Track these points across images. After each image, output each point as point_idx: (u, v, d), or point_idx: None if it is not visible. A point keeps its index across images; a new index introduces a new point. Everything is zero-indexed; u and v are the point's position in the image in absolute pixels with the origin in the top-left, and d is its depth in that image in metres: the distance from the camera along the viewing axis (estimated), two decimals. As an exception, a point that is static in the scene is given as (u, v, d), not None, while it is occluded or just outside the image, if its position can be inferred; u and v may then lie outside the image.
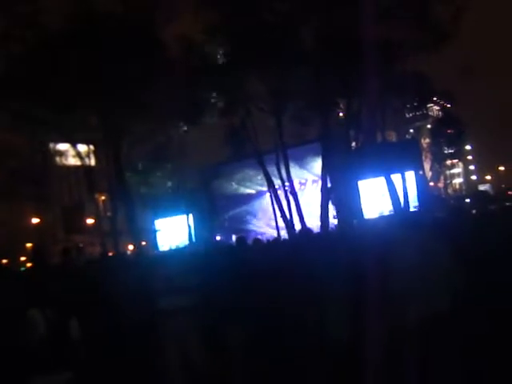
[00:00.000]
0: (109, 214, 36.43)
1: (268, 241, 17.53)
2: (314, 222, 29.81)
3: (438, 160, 57.20)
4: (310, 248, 8.61)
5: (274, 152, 30.95)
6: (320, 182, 30.71)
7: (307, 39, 28.95)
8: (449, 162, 66.45)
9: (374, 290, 6.51)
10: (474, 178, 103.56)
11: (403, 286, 6.61)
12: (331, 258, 7.71)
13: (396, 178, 28.38)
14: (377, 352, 6.41)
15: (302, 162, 36.46)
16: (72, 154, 34.48)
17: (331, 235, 16.77)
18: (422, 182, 32.47)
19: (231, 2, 27.71)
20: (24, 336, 6.77)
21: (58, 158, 39.04)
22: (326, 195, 29.53)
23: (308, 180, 40.75)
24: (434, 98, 58.79)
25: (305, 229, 14.83)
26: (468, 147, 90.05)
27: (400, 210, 25.07)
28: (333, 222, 29.77)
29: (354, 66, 26.47)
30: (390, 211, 26.93)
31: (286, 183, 31.28)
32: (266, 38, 26.38)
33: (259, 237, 26.88)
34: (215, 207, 39.12)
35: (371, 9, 26.32)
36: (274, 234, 32.76)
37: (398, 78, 29.66)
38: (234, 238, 31.34)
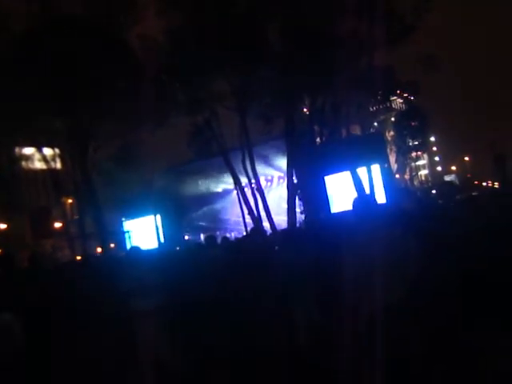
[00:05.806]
0: (76, 217, 36.20)
1: (236, 239, 17.60)
2: (281, 218, 30.01)
3: (403, 152, 57.65)
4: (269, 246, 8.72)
5: (239, 150, 30.97)
6: (286, 179, 30.88)
7: (271, 36, 29.05)
8: (414, 154, 66.97)
9: (337, 284, 6.57)
10: (439, 169, 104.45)
11: (366, 277, 6.62)
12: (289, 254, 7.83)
13: (362, 171, 28.63)
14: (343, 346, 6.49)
15: (267, 158, 36.65)
16: (38, 157, 34.20)
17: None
18: (387, 175, 32.66)
19: (194, 1, 27.72)
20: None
21: (23, 163, 38.68)
22: (293, 191, 29.73)
23: (274, 176, 40.99)
24: (398, 91, 59.10)
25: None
26: (432, 138, 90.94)
27: (367, 203, 25.26)
28: (300, 217, 29.97)
29: (317, 61, 26.72)
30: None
31: (253, 180, 31.37)
32: (228, 34, 26.43)
33: (227, 235, 27.13)
34: (183, 207, 39.04)
35: (335, 4, 26.62)
36: (243, 231, 32.84)
37: (363, 72, 29.78)
38: (202, 237, 31.37)
